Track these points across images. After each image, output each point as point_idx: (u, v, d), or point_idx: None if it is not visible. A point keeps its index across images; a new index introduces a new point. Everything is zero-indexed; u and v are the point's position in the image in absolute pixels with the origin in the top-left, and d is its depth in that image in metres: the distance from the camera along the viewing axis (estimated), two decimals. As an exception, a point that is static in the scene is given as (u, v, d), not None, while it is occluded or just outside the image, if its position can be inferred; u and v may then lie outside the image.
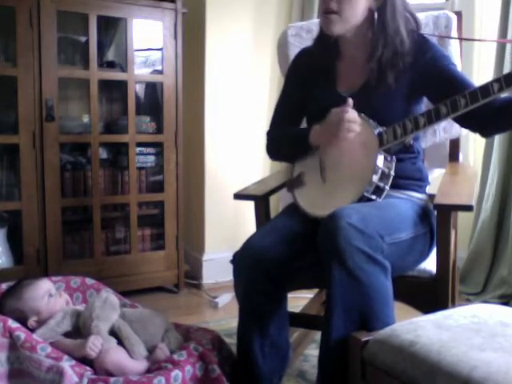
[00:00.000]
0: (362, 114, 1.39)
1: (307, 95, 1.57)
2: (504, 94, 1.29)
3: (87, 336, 1.37)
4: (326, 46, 1.53)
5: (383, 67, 1.43)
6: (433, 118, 1.32)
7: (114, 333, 1.42)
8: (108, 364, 1.34)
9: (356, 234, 1.18)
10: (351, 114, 1.35)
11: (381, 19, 1.42)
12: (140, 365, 1.38)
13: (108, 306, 1.44)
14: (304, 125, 1.65)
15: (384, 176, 1.35)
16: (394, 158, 1.39)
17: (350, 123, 1.35)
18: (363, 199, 1.34)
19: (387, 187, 1.36)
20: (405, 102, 1.44)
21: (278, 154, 1.67)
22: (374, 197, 1.36)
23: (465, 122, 1.44)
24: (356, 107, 1.39)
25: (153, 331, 1.45)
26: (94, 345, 1.34)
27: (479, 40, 2.03)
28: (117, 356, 1.37)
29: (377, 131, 1.38)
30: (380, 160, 1.35)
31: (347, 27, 1.43)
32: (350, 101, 1.37)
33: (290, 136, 1.58)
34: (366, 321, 1.18)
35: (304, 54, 1.65)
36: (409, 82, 1.44)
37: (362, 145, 1.39)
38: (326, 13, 1.41)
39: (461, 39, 1.71)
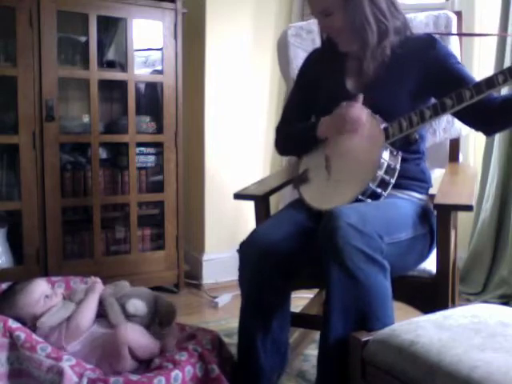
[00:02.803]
0: (369, 111, 1.41)
1: (317, 92, 1.58)
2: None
3: None
4: (333, 49, 1.55)
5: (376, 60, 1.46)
6: (439, 110, 1.33)
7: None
8: (131, 342, 1.37)
9: (355, 234, 1.18)
10: (356, 111, 1.37)
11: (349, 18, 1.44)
12: (154, 344, 1.42)
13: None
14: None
15: (390, 169, 1.36)
16: (399, 152, 1.39)
17: (353, 121, 1.37)
18: (368, 192, 1.35)
19: (393, 181, 1.37)
20: (411, 101, 1.45)
21: (286, 147, 1.69)
22: (379, 190, 1.36)
23: (469, 120, 1.46)
24: (364, 103, 1.41)
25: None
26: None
27: (479, 35, 2.04)
28: (136, 334, 1.40)
29: (383, 126, 1.39)
30: (386, 153, 1.36)
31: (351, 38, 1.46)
32: (360, 96, 1.39)
33: (298, 129, 1.59)
34: (365, 321, 1.18)
35: (315, 53, 1.68)
36: (417, 81, 1.45)
37: (367, 138, 1.40)
38: (336, 36, 1.47)
39: (460, 35, 1.72)
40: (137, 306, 1.45)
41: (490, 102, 1.35)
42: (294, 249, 1.37)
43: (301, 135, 1.57)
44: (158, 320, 1.49)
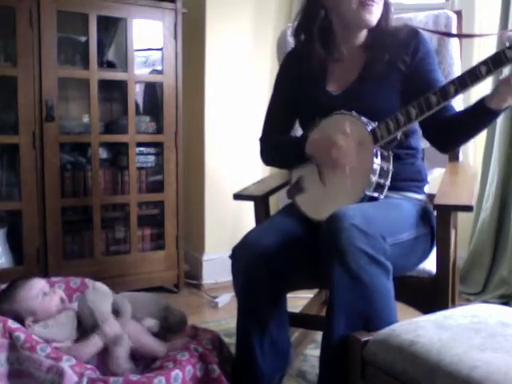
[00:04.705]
0: (353, 112, 1.39)
1: (298, 96, 1.56)
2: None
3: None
4: (325, 46, 1.52)
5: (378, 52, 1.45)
6: (424, 108, 1.30)
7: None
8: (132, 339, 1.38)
9: (359, 235, 1.17)
10: (342, 152, 1.36)
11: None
12: (159, 345, 1.42)
13: (100, 293, 1.45)
14: (297, 126, 1.65)
15: (383, 172, 1.35)
16: (390, 152, 1.38)
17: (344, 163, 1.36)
18: (365, 198, 1.34)
19: (387, 183, 1.36)
20: (397, 96, 1.44)
21: (274, 161, 1.69)
22: (375, 194, 1.35)
23: (430, 133, 1.48)
24: (347, 104, 1.41)
25: (148, 310, 1.49)
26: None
27: (478, 36, 2.04)
28: (136, 329, 1.41)
29: (369, 128, 1.37)
30: (377, 157, 1.34)
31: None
32: (347, 128, 1.36)
33: (286, 144, 1.57)
34: (368, 322, 1.17)
35: (292, 55, 1.63)
36: (400, 77, 1.45)
37: (357, 144, 1.37)
38: (372, 1, 1.41)
39: (460, 36, 1.72)
40: (152, 327, 1.46)
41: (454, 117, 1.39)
42: (285, 252, 1.36)
43: (288, 151, 1.55)
44: (167, 328, 1.50)
